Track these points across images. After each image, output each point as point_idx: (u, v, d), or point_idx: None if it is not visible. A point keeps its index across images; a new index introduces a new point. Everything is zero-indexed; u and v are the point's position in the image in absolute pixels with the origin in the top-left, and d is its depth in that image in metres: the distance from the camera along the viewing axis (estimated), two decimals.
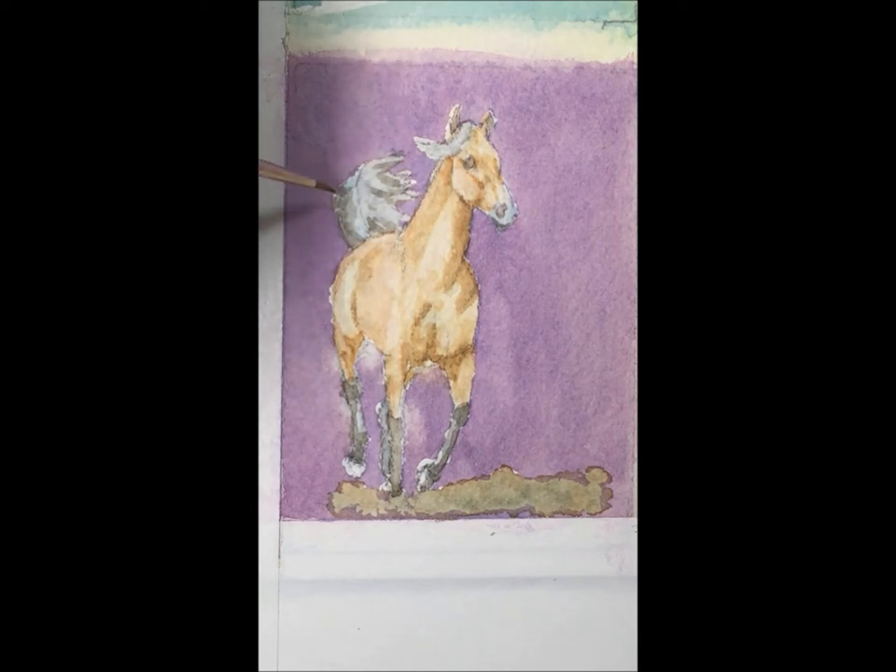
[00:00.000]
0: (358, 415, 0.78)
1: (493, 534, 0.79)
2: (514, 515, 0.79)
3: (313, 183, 0.74)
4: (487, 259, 0.79)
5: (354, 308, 0.79)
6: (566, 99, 0.79)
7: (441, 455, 0.79)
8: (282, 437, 0.77)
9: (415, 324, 0.78)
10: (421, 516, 0.78)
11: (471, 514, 0.79)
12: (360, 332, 0.79)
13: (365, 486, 0.78)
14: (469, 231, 0.78)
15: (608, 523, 0.79)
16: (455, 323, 0.79)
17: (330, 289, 0.78)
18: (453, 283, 0.78)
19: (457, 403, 0.79)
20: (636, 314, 0.79)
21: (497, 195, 0.77)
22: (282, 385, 0.77)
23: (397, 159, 0.78)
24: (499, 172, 0.78)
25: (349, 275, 0.78)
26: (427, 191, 0.78)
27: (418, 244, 0.78)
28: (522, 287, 0.79)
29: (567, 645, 0.80)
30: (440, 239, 0.78)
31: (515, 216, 0.78)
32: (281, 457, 0.77)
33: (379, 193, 0.78)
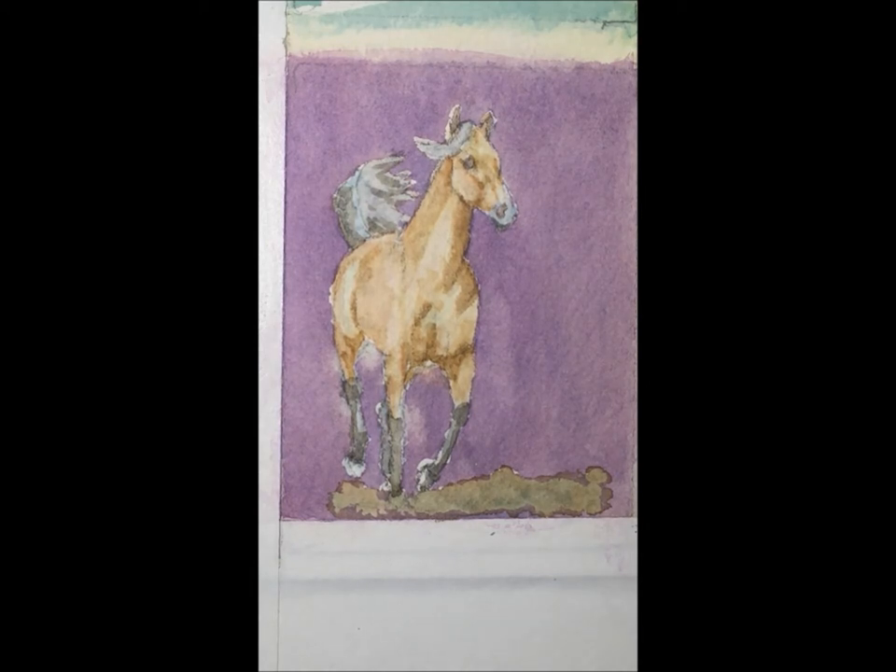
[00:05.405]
0: (358, 415, 0.78)
1: (493, 534, 0.79)
2: (514, 515, 0.79)
3: None
4: (487, 259, 0.79)
5: (354, 308, 0.79)
6: (566, 99, 0.79)
7: (441, 455, 0.79)
8: (282, 437, 0.77)
9: (415, 324, 0.79)
10: (421, 516, 0.78)
11: (471, 514, 0.79)
12: (360, 332, 0.79)
13: (365, 486, 0.78)
14: (469, 231, 0.78)
15: (607, 523, 0.80)
16: (455, 323, 0.79)
17: (330, 289, 0.78)
18: (453, 283, 0.78)
19: (457, 403, 0.79)
20: (636, 314, 0.79)
21: (497, 195, 0.77)
22: (282, 385, 0.77)
23: (397, 159, 0.78)
24: (499, 172, 0.78)
25: (349, 275, 0.78)
26: (427, 191, 0.78)
27: (418, 244, 0.78)
28: (522, 287, 0.79)
29: (567, 645, 0.80)
30: (440, 239, 0.78)
31: (515, 216, 0.78)
32: (281, 457, 0.77)
33: (379, 193, 0.78)
